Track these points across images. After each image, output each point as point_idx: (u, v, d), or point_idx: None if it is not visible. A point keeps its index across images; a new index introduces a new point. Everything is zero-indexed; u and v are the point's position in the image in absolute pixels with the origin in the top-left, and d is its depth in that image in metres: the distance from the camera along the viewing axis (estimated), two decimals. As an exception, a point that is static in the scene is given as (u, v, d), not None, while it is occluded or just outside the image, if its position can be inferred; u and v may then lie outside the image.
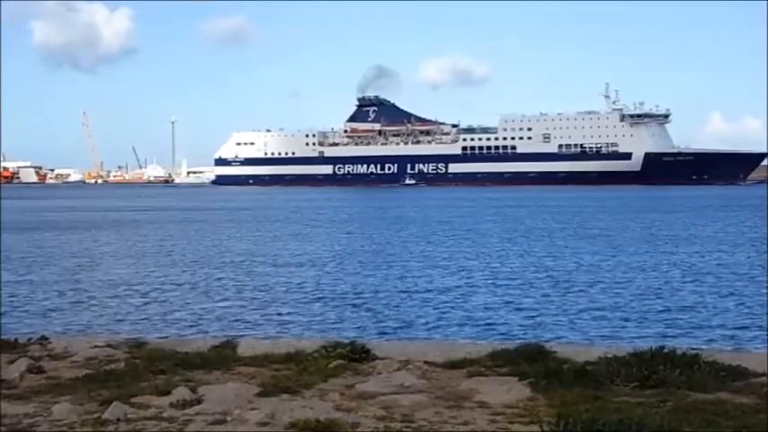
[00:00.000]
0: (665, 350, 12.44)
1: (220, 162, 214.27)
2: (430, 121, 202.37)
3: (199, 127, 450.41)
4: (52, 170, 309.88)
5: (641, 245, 46.54)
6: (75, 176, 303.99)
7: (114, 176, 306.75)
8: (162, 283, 31.64)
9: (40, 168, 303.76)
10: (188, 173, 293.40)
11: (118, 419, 9.88)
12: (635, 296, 27.61)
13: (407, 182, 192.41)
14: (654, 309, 25.20)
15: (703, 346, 17.07)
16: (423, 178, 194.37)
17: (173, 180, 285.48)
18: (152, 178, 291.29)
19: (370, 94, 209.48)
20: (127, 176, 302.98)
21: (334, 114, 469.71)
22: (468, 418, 10.05)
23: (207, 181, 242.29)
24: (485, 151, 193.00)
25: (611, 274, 33.76)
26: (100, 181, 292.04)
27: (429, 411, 10.32)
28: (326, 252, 43.95)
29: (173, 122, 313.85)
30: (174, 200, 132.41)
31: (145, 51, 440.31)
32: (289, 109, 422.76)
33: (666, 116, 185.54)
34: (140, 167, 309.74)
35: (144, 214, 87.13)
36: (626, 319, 23.48)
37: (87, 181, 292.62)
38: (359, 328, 22.31)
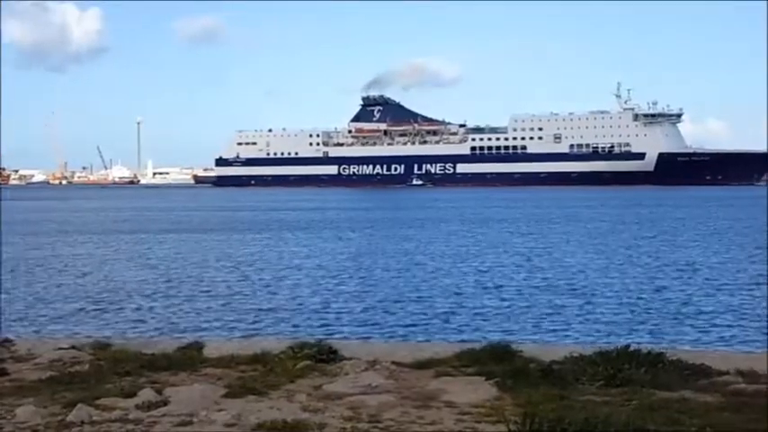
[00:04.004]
0: (631, 349, 12.55)
1: (221, 162, 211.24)
2: (437, 120, 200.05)
3: (166, 127, 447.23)
4: (16, 171, 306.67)
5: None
6: (38, 177, 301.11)
7: (79, 177, 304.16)
8: (125, 283, 31.43)
9: (4, 169, 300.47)
10: (154, 173, 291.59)
11: (82, 422, 9.77)
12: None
13: (414, 182, 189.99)
14: (621, 306, 25.44)
15: (667, 346, 17.23)
16: (430, 179, 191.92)
17: (138, 181, 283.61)
18: (117, 179, 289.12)
19: (375, 93, 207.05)
20: (92, 177, 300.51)
21: (311, 114, 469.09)
22: (435, 417, 10.06)
23: (173, 182, 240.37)
24: (494, 151, 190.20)
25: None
26: (64, 182, 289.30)
27: (396, 411, 10.32)
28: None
29: (138, 123, 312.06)
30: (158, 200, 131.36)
31: (114, 51, 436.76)
32: (264, 108, 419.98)
33: (679, 116, 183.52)
34: (105, 168, 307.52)
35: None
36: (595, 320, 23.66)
37: (51, 182, 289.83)
38: (324, 326, 22.30)
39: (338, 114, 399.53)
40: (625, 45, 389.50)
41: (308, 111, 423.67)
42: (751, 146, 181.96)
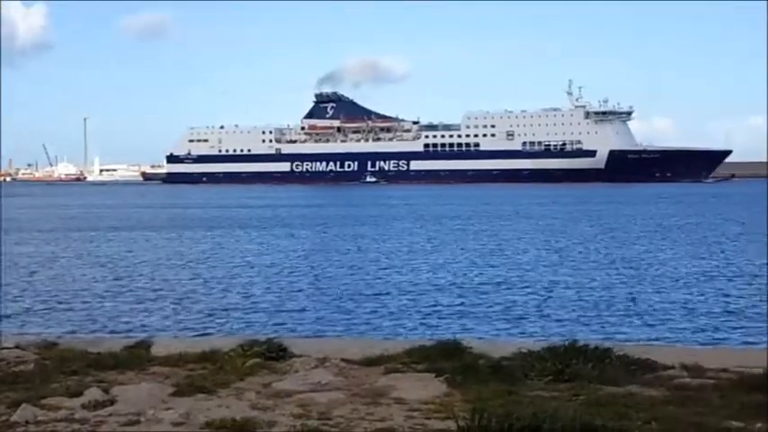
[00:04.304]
0: (578, 344, 12.69)
1: (172, 159, 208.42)
2: (390, 117, 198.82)
3: (113, 124, 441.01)
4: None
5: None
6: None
7: (23, 174, 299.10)
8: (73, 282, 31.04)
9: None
10: (101, 171, 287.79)
11: (27, 422, 9.63)
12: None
13: (368, 180, 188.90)
14: (569, 302, 25.72)
15: (615, 341, 17.44)
16: (384, 176, 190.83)
17: (85, 178, 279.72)
18: (63, 176, 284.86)
19: (327, 90, 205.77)
20: (37, 174, 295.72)
21: (263, 111, 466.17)
22: (384, 414, 10.08)
23: (120, 179, 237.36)
24: (447, 149, 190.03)
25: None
26: (8, 179, 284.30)
27: (346, 408, 10.32)
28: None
29: (85, 119, 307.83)
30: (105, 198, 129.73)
31: (60, 47, 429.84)
32: (214, 105, 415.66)
33: (630, 113, 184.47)
34: (51, 165, 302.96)
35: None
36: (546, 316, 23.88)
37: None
38: (275, 324, 22.22)
39: (291, 111, 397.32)
40: (576, 42, 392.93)
41: (260, 108, 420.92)
42: (696, 143, 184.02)
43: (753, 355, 14.28)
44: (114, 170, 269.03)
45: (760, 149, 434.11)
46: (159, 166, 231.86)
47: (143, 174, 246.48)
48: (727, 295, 27.36)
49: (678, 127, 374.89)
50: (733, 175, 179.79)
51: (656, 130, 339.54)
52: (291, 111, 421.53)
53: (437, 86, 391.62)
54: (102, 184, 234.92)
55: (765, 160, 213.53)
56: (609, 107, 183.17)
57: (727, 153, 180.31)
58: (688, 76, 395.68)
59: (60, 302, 26.56)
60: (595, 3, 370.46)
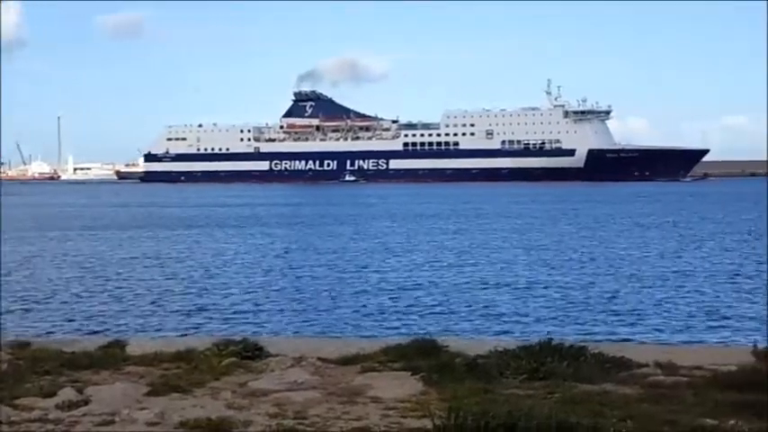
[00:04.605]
0: (554, 343, 12.73)
1: (150, 158, 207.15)
2: (369, 116, 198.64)
3: (87, 122, 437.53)
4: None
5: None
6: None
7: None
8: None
9: None
10: (75, 169, 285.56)
11: (0, 422, 9.54)
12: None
13: (347, 178, 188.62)
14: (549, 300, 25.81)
15: (590, 339, 17.52)
16: (363, 175, 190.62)
17: (58, 177, 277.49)
18: (37, 175, 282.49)
19: (307, 88, 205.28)
20: (10, 173, 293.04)
21: (242, 110, 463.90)
22: (360, 413, 10.07)
23: (94, 178, 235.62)
24: (426, 147, 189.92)
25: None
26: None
27: (322, 407, 10.30)
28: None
29: (59, 118, 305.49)
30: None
31: (34, 45, 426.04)
32: (191, 104, 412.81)
33: (608, 113, 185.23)
34: (24, 164, 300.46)
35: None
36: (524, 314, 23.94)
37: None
38: (252, 323, 22.16)
39: (270, 110, 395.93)
40: (555, 42, 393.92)
41: (238, 107, 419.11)
42: (669, 142, 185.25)
43: (726, 352, 14.40)
44: (88, 169, 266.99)
45: (734, 149, 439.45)
46: (134, 165, 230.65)
47: (117, 172, 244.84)
48: (702, 293, 27.58)
49: (653, 127, 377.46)
50: (706, 174, 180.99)
51: (631, 129, 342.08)
52: (270, 109, 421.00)
53: (416, 85, 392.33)
54: (77, 182, 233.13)
55: (740, 159, 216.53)
56: (588, 106, 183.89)
57: (705, 152, 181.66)
58: (663, 77, 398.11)
59: (37, 302, 26.37)
60: (576, 3, 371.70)
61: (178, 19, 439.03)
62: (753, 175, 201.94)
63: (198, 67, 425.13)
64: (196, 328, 21.87)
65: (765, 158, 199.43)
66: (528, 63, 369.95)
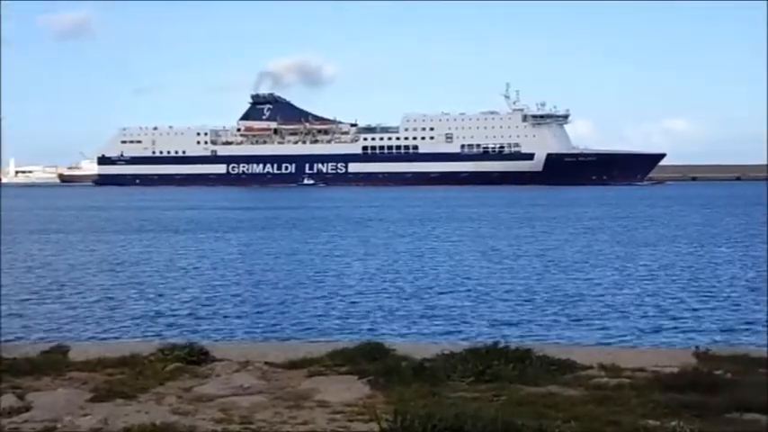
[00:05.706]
0: (500, 346, 12.81)
1: (104, 161, 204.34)
2: (328, 119, 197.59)
3: (29, 125, 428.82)
4: None
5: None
6: None
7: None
8: None
9: None
10: (16, 172, 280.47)
11: (-63, 430, 9.36)
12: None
13: (306, 182, 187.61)
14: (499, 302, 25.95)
15: (535, 342, 17.65)
16: (322, 178, 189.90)
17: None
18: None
19: (264, 91, 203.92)
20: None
21: (195, 113, 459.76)
22: (307, 417, 10.05)
23: (37, 181, 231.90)
24: (386, 151, 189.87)
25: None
26: None
27: (268, 412, 10.26)
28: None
29: (0, 120, 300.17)
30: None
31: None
32: (140, 106, 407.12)
33: (566, 117, 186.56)
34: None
35: None
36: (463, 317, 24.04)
37: None
38: (199, 328, 21.99)
39: (227, 113, 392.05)
40: (513, 45, 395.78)
41: (193, 109, 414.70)
42: (615, 146, 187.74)
43: (669, 354, 14.59)
44: (30, 172, 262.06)
45: (678, 153, 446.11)
46: (77, 168, 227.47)
47: (60, 176, 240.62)
48: (647, 296, 27.94)
49: (599, 130, 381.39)
50: (650, 178, 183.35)
51: (578, 134, 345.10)
52: (227, 112, 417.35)
53: (375, 89, 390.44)
54: (19, 186, 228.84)
55: (690, 163, 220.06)
56: (546, 110, 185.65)
57: (662, 156, 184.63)
58: (607, 79, 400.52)
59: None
60: (535, 3, 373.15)
61: (126, 19, 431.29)
62: (694, 179, 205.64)
63: (147, 68, 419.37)
64: (140, 332, 21.63)
65: (708, 162, 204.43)
66: (486, 66, 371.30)
